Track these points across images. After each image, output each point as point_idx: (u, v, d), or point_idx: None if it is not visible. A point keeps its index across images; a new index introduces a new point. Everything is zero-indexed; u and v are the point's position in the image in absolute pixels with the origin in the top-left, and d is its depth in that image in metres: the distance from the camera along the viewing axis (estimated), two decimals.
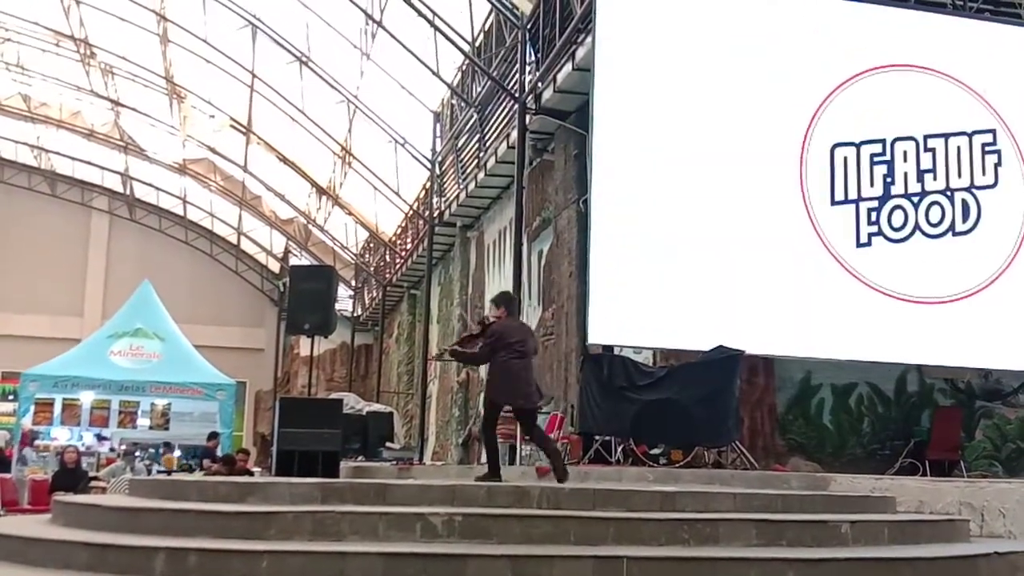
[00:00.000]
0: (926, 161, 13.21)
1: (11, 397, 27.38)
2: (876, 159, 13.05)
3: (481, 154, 19.76)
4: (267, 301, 38.23)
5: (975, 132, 13.45)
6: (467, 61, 19.88)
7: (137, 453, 19.81)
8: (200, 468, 17.46)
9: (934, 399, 14.02)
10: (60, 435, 20.74)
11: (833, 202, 12.81)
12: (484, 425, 9.06)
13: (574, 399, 12.82)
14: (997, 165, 13.51)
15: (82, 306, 35.50)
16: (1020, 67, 13.81)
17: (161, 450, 20.35)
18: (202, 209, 36.51)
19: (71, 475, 15.84)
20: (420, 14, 17.88)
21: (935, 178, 13.24)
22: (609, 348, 12.24)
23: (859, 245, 12.84)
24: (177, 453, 20.66)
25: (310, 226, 33.07)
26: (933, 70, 13.36)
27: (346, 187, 29.58)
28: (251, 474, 14.92)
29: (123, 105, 30.86)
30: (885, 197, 13.02)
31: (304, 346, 29.57)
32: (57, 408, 21.02)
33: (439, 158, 24.09)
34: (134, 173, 35.58)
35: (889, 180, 13.08)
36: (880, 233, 12.93)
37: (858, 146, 12.98)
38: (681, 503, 7.08)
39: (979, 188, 13.39)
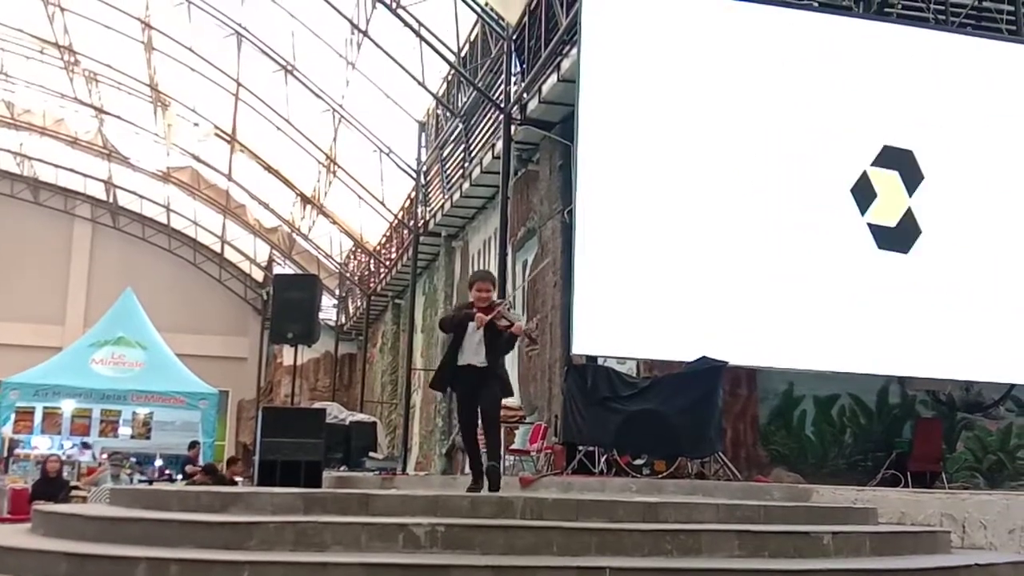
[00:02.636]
0: None
1: None
2: None
3: (466, 164, 19.77)
4: (250, 310, 38.08)
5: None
6: (452, 71, 19.91)
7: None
8: (185, 477, 17.38)
9: (916, 411, 14.06)
10: (40, 444, 20.63)
11: None
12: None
13: (558, 409, 12.82)
14: None
15: (64, 314, 35.29)
16: (1006, 80, 13.87)
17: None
18: (186, 217, 36.37)
19: (52, 484, 15.72)
20: (406, 24, 17.89)
21: None
22: (593, 358, 12.24)
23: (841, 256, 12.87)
24: (159, 463, 20.58)
25: (294, 235, 33.00)
26: (906, 83, 13.38)
27: (331, 196, 29.56)
28: (235, 483, 14.87)
29: (107, 113, 30.74)
30: None
31: (287, 355, 29.44)
32: (38, 417, 20.94)
33: (424, 168, 24.11)
34: (117, 181, 35.42)
35: None
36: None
37: None
38: (664, 514, 7.07)
39: None
